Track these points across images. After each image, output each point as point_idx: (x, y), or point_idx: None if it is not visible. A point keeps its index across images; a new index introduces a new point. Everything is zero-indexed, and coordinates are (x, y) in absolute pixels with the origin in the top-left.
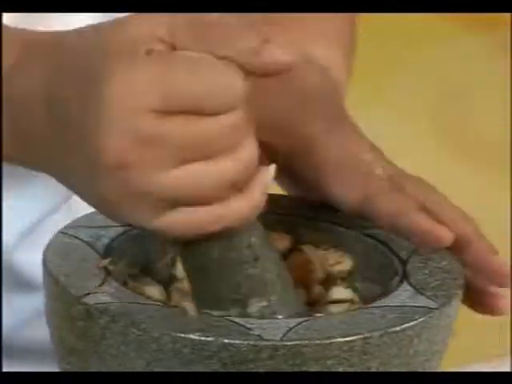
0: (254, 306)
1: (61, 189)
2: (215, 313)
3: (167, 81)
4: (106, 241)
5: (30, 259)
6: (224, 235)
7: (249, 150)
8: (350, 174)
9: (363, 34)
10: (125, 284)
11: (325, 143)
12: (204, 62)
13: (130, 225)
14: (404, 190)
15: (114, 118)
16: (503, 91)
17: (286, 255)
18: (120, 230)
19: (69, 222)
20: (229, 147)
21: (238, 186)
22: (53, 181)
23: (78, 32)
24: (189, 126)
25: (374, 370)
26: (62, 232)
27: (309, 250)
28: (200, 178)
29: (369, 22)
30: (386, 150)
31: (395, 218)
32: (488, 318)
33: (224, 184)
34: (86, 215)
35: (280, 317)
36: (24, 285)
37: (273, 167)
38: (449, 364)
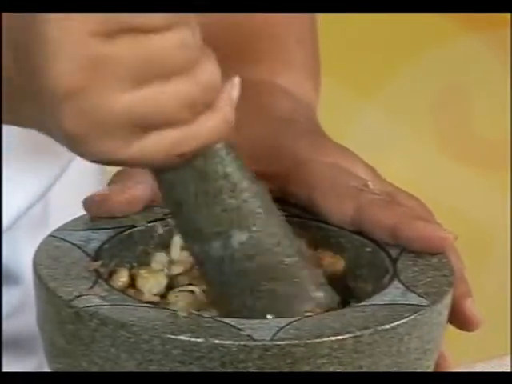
0: (237, 238)
1: (37, 186)
2: (197, 248)
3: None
4: (96, 244)
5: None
6: (197, 166)
7: (207, 72)
8: (340, 188)
9: (364, 34)
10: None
11: (315, 162)
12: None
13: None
14: (397, 201)
15: (59, 48)
16: (503, 91)
17: None
18: (111, 232)
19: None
20: (182, 67)
21: (198, 108)
22: (28, 178)
23: None
24: (136, 44)
25: (365, 368)
26: (53, 235)
27: None
28: (158, 98)
29: (369, 21)
30: (385, 151)
31: (395, 227)
32: (488, 318)
33: (184, 104)
34: (77, 218)
35: (269, 316)
36: (6, 277)
37: (237, 80)
38: None
